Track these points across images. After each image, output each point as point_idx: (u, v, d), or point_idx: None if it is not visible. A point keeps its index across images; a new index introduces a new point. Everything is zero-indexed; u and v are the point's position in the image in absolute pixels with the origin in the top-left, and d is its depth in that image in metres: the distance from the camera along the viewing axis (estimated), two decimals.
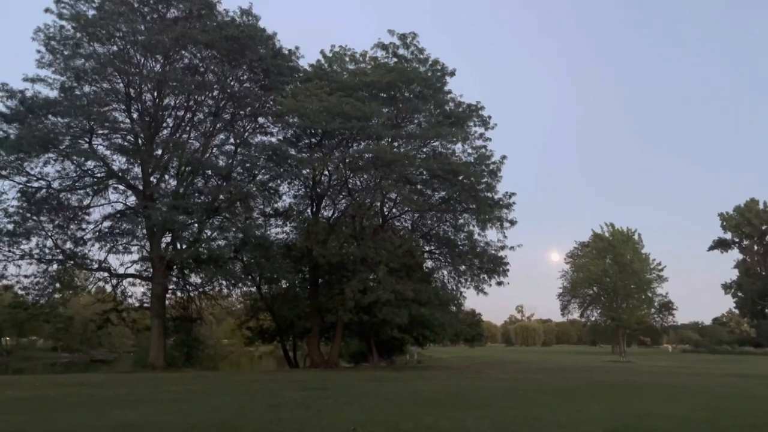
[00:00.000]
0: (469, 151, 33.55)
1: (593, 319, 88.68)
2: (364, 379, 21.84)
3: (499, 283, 34.33)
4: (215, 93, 32.53)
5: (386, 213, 35.58)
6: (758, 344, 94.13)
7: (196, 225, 30.88)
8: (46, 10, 29.27)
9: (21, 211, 29.32)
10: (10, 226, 28.95)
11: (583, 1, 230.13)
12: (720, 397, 15.51)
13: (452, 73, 33.11)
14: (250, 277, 34.82)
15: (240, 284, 34.76)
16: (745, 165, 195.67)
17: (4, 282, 30.70)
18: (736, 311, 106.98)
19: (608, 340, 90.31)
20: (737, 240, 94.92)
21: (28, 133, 27.06)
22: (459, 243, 35.32)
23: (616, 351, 76.97)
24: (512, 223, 33.28)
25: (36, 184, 30.24)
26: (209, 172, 32.04)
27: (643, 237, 77.58)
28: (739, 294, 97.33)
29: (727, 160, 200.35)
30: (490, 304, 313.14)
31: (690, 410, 12.46)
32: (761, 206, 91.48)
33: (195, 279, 34.70)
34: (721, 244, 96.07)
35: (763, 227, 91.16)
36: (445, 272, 37.17)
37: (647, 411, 12.18)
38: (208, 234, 31.53)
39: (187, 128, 33.00)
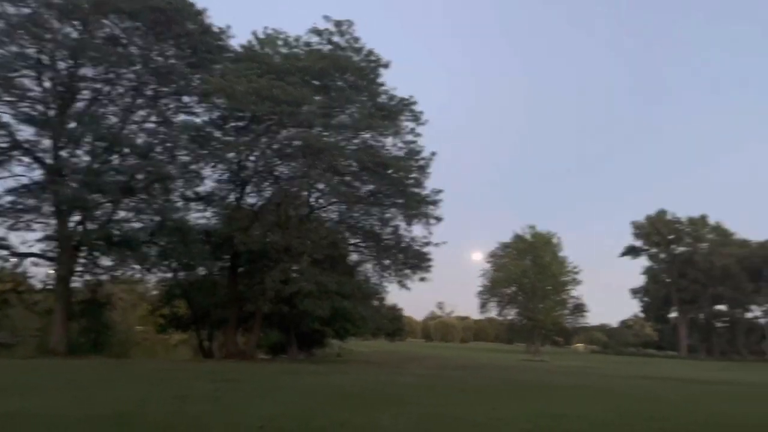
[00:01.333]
0: (400, 145, 33.39)
1: (510, 317, 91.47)
2: (281, 371, 21.23)
3: (422, 279, 34.48)
4: (138, 67, 30.67)
5: (313, 203, 34.91)
6: (660, 347, 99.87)
7: (109, 204, 29.14)
8: None
9: None
10: None
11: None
12: (630, 399, 15.94)
13: (386, 65, 32.79)
14: (166, 262, 33.25)
15: (155, 269, 33.11)
16: (658, 176, 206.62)
17: None
18: (642, 315, 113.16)
19: (523, 338, 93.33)
20: (647, 248, 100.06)
21: None
22: (385, 237, 35.15)
23: (530, 350, 79.50)
24: (438, 219, 33.47)
25: None
26: (127, 149, 30.25)
27: (561, 240, 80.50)
28: (646, 299, 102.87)
29: (640, 171, 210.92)
30: (412, 299, 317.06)
31: (602, 412, 12.65)
32: (669, 217, 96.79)
33: (106, 262, 32.69)
34: (631, 251, 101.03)
35: (670, 237, 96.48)
36: (370, 266, 36.92)
37: (561, 412, 12.25)
38: (123, 215, 29.89)
39: (105, 102, 30.99)
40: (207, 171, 33.46)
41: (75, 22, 28.93)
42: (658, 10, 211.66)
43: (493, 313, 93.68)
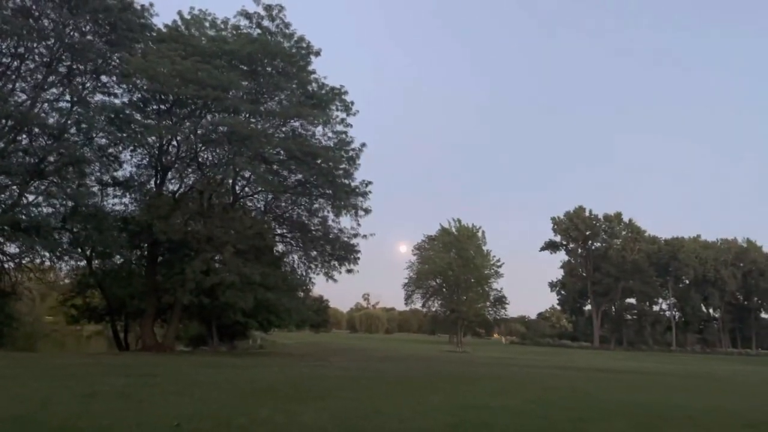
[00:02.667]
0: (330, 135, 33.03)
1: (434, 309, 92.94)
2: (200, 365, 20.47)
3: (350, 271, 34.29)
4: (50, 42, 28.72)
5: (238, 191, 33.95)
6: (574, 338, 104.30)
7: (16, 188, 27.22)
8: None
9: None
10: None
11: None
12: (548, 389, 16.34)
13: (317, 53, 32.19)
14: (79, 250, 31.48)
15: (66, 257, 31.26)
16: (575, 172, 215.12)
17: None
18: (558, 307, 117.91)
19: (446, 330, 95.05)
20: (565, 243, 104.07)
21: None
22: (312, 228, 34.72)
23: (453, 341, 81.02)
24: (367, 211, 33.35)
25: None
26: (37, 129, 28.34)
27: (485, 234, 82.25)
28: (563, 292, 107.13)
29: (560, 166, 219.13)
30: (338, 290, 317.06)
31: (522, 402, 12.86)
32: (587, 213, 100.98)
33: (12, 249, 30.57)
34: (551, 246, 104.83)
35: (587, 233, 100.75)
36: (296, 257, 36.37)
37: (484, 403, 12.37)
38: (31, 199, 28.01)
39: (14, 78, 28.87)
40: (126, 155, 32.02)
41: None
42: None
43: (417, 304, 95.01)
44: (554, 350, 69.73)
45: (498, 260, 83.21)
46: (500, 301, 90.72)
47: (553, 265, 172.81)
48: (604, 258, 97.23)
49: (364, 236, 33.97)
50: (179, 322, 34.04)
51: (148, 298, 31.42)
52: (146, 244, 31.91)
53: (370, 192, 33.32)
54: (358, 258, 34.23)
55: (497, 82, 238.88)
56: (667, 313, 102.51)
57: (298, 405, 10.73)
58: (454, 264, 77.33)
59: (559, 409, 12.07)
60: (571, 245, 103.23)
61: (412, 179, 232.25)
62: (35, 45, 28.40)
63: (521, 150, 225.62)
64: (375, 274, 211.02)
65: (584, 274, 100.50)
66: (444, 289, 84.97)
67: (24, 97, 28.60)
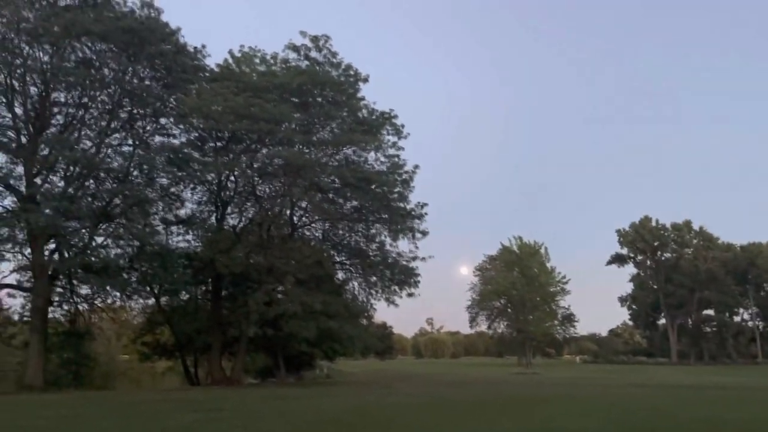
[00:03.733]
0: (382, 159, 32.96)
1: (500, 331, 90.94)
2: (267, 397, 20.46)
3: (410, 295, 33.88)
4: (112, 89, 30.07)
5: (296, 222, 34.29)
6: (650, 354, 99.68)
7: (85, 231, 28.33)
8: None
9: None
10: None
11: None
12: (626, 409, 15.47)
13: (365, 79, 32.42)
14: (147, 288, 32.40)
15: (135, 296, 32.27)
16: (641, 183, 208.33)
17: None
18: (630, 323, 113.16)
19: (514, 351, 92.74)
20: (632, 255, 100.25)
21: None
22: (370, 253, 34.60)
23: (522, 362, 78.85)
24: (424, 234, 32.99)
25: None
26: (103, 174, 29.57)
27: (549, 250, 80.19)
28: (634, 306, 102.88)
29: (624, 177, 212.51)
30: (401, 316, 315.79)
31: (602, 423, 12.18)
32: (654, 223, 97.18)
33: (84, 290, 31.77)
34: (618, 259, 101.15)
35: (655, 243, 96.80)
36: (356, 284, 36.31)
37: (560, 425, 11.77)
38: (100, 241, 29.09)
39: (79, 126, 30.27)
40: (186, 193, 32.98)
41: (46, 46, 28.29)
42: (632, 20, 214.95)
43: (482, 326, 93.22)
44: (630, 368, 66.77)
45: (563, 277, 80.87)
46: (568, 319, 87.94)
47: (622, 279, 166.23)
48: (675, 269, 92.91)
49: (423, 259, 33.61)
50: (246, 355, 34.39)
51: (214, 332, 31.90)
52: (210, 279, 32.53)
53: (426, 214, 33.06)
54: (419, 281, 33.86)
55: (547, 94, 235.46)
56: (750, 324, 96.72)
57: None
58: (518, 283, 75.58)
59: (642, 430, 11.33)
60: (639, 257, 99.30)
61: (469, 199, 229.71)
62: (98, 94, 29.78)
63: (576, 163, 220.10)
64: (437, 298, 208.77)
65: (655, 287, 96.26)
66: (509, 310, 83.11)
67: (89, 144, 29.94)
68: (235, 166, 29.59)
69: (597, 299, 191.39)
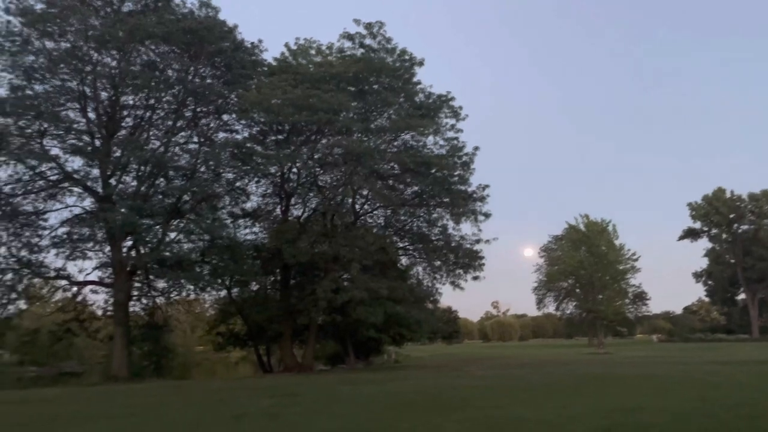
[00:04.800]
0: (441, 143, 32.83)
1: (569, 312, 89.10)
2: (339, 382, 20.84)
3: (475, 278, 33.73)
4: (176, 90, 31.13)
5: (358, 209, 34.65)
6: (729, 330, 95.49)
7: (159, 227, 29.51)
8: None
9: None
10: None
11: None
12: (710, 386, 14.88)
13: (421, 63, 32.26)
14: (218, 280, 33.50)
15: (208, 288, 33.36)
16: (712, 154, 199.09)
17: None
18: (707, 299, 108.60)
19: (584, 332, 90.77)
20: (706, 229, 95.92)
21: None
22: (433, 238, 34.59)
23: (592, 343, 77.10)
24: (486, 216, 32.72)
25: None
26: (172, 171, 30.68)
27: (616, 228, 77.67)
28: (710, 282, 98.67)
29: (694, 149, 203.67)
30: (466, 300, 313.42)
31: (682, 402, 11.78)
32: (728, 195, 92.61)
33: (161, 284, 33.18)
34: (690, 234, 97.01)
35: (731, 216, 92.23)
36: (420, 269, 36.43)
37: (637, 404, 11.46)
38: (173, 236, 30.22)
39: (147, 127, 31.54)
40: (251, 187, 33.84)
41: (113, 52, 29.52)
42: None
43: (550, 308, 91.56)
44: (708, 345, 64.11)
45: (633, 254, 78.24)
46: (640, 297, 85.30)
47: (696, 254, 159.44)
48: (754, 241, 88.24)
49: (487, 241, 33.37)
50: (316, 342, 35.14)
51: (285, 321, 32.69)
52: (278, 269, 33.29)
53: (488, 196, 32.74)
54: (483, 264, 33.62)
55: (615, 65, 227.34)
56: None
57: (439, 416, 10.49)
58: (586, 262, 73.51)
59: (726, 407, 10.90)
60: (714, 231, 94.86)
61: (533, 178, 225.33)
62: (163, 94, 30.88)
63: (641, 138, 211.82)
64: (502, 280, 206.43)
65: (733, 261, 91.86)
66: (577, 290, 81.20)
67: (158, 143, 31.11)
68: (296, 157, 30.08)
69: (669, 276, 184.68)
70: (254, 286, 35.64)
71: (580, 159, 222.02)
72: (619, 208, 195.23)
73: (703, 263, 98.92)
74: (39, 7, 28.20)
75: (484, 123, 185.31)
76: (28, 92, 28.37)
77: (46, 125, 28.26)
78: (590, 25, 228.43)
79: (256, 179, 32.99)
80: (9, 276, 29.13)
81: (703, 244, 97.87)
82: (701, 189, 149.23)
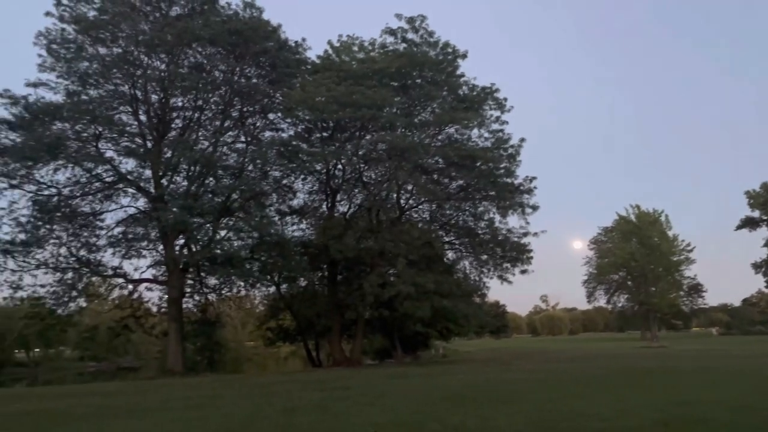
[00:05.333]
0: (486, 135, 32.49)
1: (620, 305, 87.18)
2: (388, 376, 20.97)
3: (524, 272, 33.28)
4: (223, 90, 31.81)
5: (403, 204, 34.64)
6: None
7: (209, 226, 30.24)
8: (47, 14, 28.76)
9: (32, 220, 28.90)
10: (23, 236, 28.56)
11: None
12: None
13: (464, 56, 31.98)
14: (267, 276, 34.10)
15: (258, 284, 34.04)
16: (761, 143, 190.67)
17: (21, 293, 30.18)
18: (767, 290, 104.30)
19: (637, 325, 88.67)
20: (765, 218, 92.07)
21: (35, 140, 26.63)
22: (480, 231, 34.28)
23: (646, 336, 75.26)
24: (534, 208, 32.26)
25: (47, 192, 29.80)
26: (220, 171, 31.39)
27: (669, 218, 75.63)
28: None
29: (751, 136, 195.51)
30: (514, 294, 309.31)
31: (742, 395, 11.43)
32: None
33: (212, 281, 34.03)
34: (748, 223, 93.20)
35: None
36: (467, 263, 36.18)
37: (694, 397, 11.17)
38: (223, 234, 30.93)
39: (196, 127, 32.33)
40: (298, 184, 34.28)
41: (162, 55, 30.37)
42: None
43: (601, 301, 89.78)
44: None
45: (688, 245, 76.01)
46: (696, 289, 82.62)
47: (755, 244, 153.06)
48: None
49: (535, 234, 32.86)
50: (363, 337, 35.41)
51: (333, 316, 33.04)
52: (325, 265, 33.64)
53: (535, 188, 32.26)
54: (531, 257, 33.15)
55: (667, 51, 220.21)
56: None
57: (489, 409, 10.45)
58: (637, 254, 71.87)
59: None
60: None
61: (582, 170, 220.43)
62: (210, 96, 31.58)
63: (693, 124, 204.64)
64: (551, 274, 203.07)
65: None
66: (629, 282, 79.42)
67: (206, 143, 31.87)
68: (341, 154, 30.30)
69: (727, 267, 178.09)
70: (302, 282, 36.10)
71: (632, 148, 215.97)
72: (673, 199, 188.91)
73: (763, 253, 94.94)
74: (92, 14, 29.23)
75: (533, 113, 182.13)
76: (83, 97, 29.50)
77: (100, 129, 29.34)
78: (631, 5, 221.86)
79: (302, 176, 33.43)
80: (69, 275, 30.42)
81: (763, 233, 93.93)
82: (760, 176, 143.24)
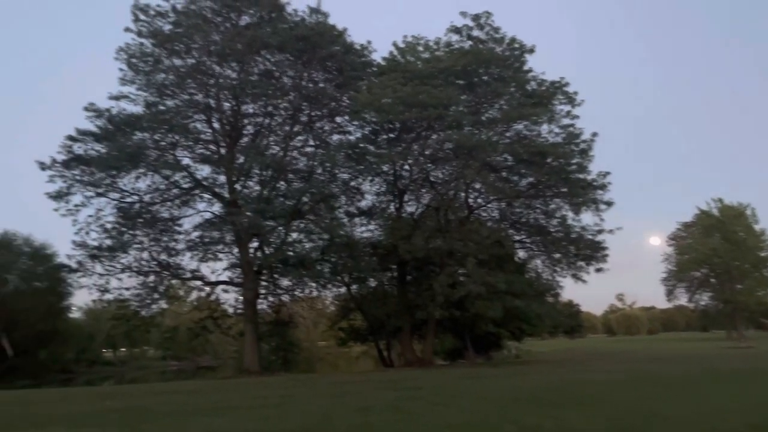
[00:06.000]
0: (556, 131, 31.64)
1: (703, 303, 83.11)
2: (460, 376, 20.82)
3: (599, 270, 32.25)
4: (291, 96, 32.52)
5: (471, 203, 34.29)
6: None
7: (281, 228, 30.95)
8: (126, 30, 30.27)
9: (117, 226, 30.50)
10: (109, 242, 30.20)
11: None
12: None
13: (531, 50, 31.34)
14: (338, 277, 34.56)
15: (329, 285, 34.57)
16: None
17: (108, 295, 31.86)
18: None
19: (721, 324, 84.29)
20: None
21: (118, 150, 28.08)
22: (552, 229, 33.46)
23: (731, 336, 71.41)
24: (608, 204, 31.14)
25: (129, 200, 31.41)
26: (291, 174, 32.11)
27: (756, 211, 71.48)
28: None
29: None
30: (588, 293, 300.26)
31: None
32: None
33: (285, 282, 34.81)
34: None
35: None
36: (539, 261, 35.39)
37: None
38: (294, 237, 31.59)
39: (267, 133, 33.23)
40: (366, 185, 34.55)
41: (233, 64, 31.36)
42: None
43: (682, 300, 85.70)
44: None
45: None
46: None
47: None
48: None
49: (610, 231, 31.75)
50: (435, 337, 35.28)
51: (403, 316, 33.11)
52: (395, 265, 33.75)
53: (609, 183, 31.17)
54: (607, 255, 32.08)
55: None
56: None
57: (566, 411, 10.20)
58: (721, 249, 68.24)
59: None
60: None
61: (659, 163, 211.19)
62: (280, 101, 32.35)
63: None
64: (626, 271, 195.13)
65: None
66: (712, 279, 75.57)
67: (277, 148, 32.67)
68: (407, 154, 30.34)
69: None
70: (372, 283, 36.34)
71: (712, 139, 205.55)
72: (759, 191, 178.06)
73: None
74: (167, 28, 30.53)
75: (603, 105, 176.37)
76: (161, 108, 30.88)
77: (177, 137, 30.63)
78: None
79: (369, 178, 33.65)
80: (151, 278, 31.92)
81: None
82: None
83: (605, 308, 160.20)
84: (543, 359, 38.77)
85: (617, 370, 21.00)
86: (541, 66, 40.53)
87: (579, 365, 26.37)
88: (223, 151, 31.79)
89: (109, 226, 30.36)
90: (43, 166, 29.13)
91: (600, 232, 31.84)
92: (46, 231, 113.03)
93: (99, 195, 30.41)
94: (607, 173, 31.08)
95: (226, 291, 34.58)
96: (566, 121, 31.62)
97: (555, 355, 45.97)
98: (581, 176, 30.72)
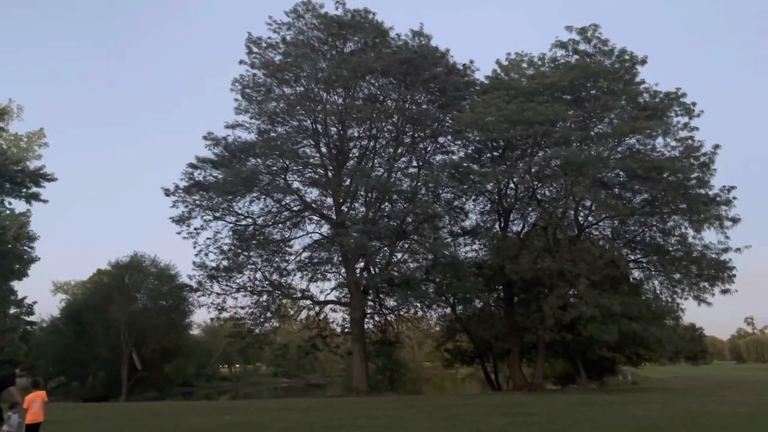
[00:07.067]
0: (673, 144, 29.86)
1: None
2: (573, 403, 19.90)
3: (725, 291, 29.81)
4: (395, 119, 33.08)
5: (582, 222, 32.98)
6: None
7: (386, 249, 31.32)
8: (241, 62, 32.21)
9: (233, 248, 32.21)
10: (226, 263, 31.95)
11: None
12: None
13: (644, 61, 29.88)
14: (443, 298, 34.39)
15: (434, 305, 34.45)
16: None
17: (224, 314, 33.59)
18: None
19: None
20: None
21: (233, 176, 29.73)
22: (670, 248, 31.45)
23: None
24: (734, 221, 28.81)
25: (244, 222, 33.16)
26: (395, 196, 32.50)
27: None
28: None
29: None
30: (713, 316, 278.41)
31: None
32: None
33: (390, 302, 35.12)
34: None
35: None
36: (657, 282, 33.26)
37: None
38: (399, 257, 31.85)
39: (372, 155, 33.94)
40: (469, 205, 34.34)
41: (339, 90, 32.42)
42: None
43: None
44: None
45: None
46: None
47: None
48: None
49: (737, 250, 29.33)
50: (545, 360, 34.06)
51: (511, 338, 32.29)
52: (501, 286, 33.06)
53: (735, 198, 28.92)
54: (734, 276, 29.65)
55: None
56: None
57: None
58: None
59: None
60: None
61: None
62: (384, 124, 33.02)
63: None
64: (757, 292, 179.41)
65: None
66: None
67: (381, 170, 33.29)
68: (513, 172, 29.80)
69: None
70: (478, 303, 35.79)
71: None
72: None
73: None
74: (278, 58, 32.11)
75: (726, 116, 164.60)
76: (272, 134, 32.46)
77: (287, 162, 32.02)
78: None
79: (473, 197, 33.39)
80: (264, 297, 33.38)
81: None
82: None
83: (733, 332, 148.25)
84: (664, 387, 36.34)
85: (751, 402, 19.26)
86: (658, 77, 38.58)
87: (706, 395, 24.41)
88: (330, 174, 32.81)
89: (225, 247, 32.21)
90: (167, 192, 31.45)
91: (725, 250, 29.55)
92: (163, 253, 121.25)
93: (216, 218, 32.37)
94: (732, 187, 28.92)
95: (334, 310, 35.53)
96: (683, 133, 29.82)
97: (676, 382, 42.98)
98: (702, 191, 28.75)
